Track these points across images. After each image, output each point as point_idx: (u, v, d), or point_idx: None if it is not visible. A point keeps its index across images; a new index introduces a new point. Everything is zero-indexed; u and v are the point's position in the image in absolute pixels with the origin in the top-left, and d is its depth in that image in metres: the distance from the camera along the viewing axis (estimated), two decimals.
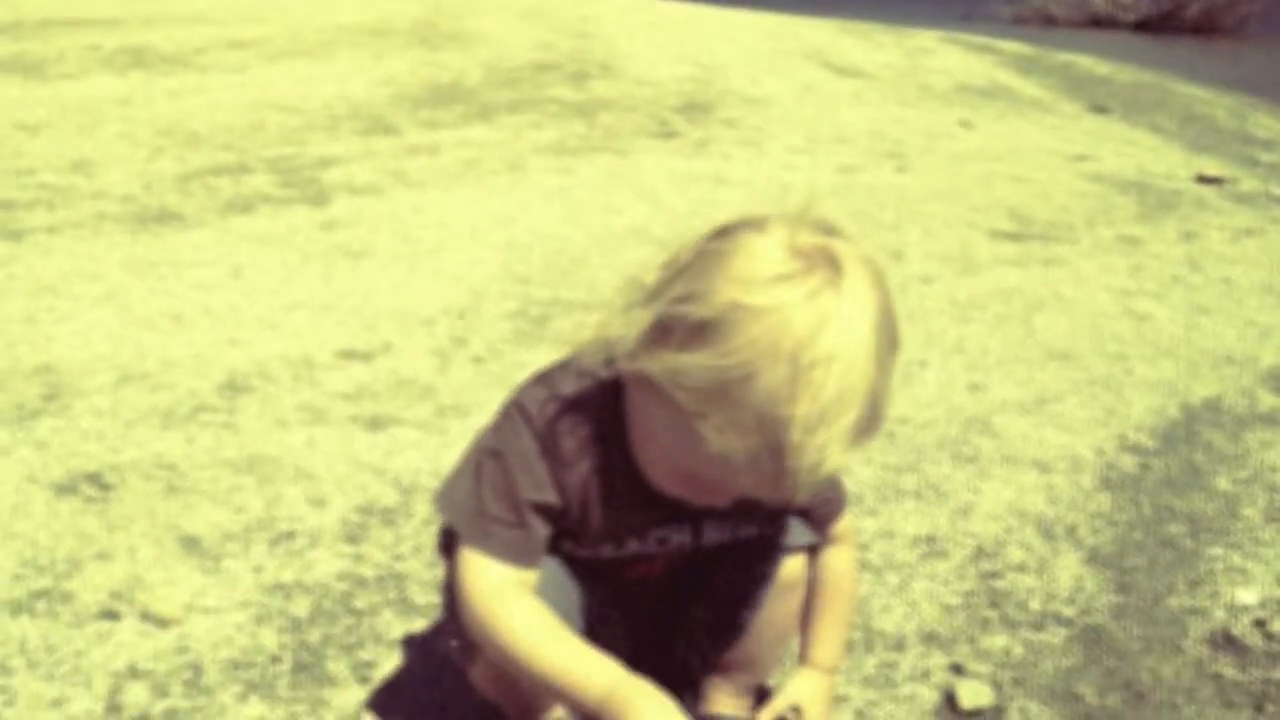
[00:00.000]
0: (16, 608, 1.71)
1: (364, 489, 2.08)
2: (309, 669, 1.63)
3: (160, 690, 1.57)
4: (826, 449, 1.02)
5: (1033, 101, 6.15)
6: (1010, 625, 1.82)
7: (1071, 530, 2.10)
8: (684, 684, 1.51)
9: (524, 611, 1.20)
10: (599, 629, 1.34)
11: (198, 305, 2.87)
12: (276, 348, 2.64)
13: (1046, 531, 2.09)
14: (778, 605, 1.41)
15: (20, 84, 5.15)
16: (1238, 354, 2.94)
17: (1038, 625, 1.83)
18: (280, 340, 2.68)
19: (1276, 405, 2.67)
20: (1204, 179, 4.68)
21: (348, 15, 8.10)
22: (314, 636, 1.69)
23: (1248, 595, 1.93)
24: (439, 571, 1.73)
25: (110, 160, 4.09)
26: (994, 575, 1.95)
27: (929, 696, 1.65)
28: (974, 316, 3.08)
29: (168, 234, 3.37)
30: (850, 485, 1.50)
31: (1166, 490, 2.26)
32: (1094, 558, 2.02)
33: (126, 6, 7.88)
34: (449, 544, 1.33)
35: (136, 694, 1.56)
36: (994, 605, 1.87)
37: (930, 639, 1.78)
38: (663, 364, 1.06)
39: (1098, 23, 18.92)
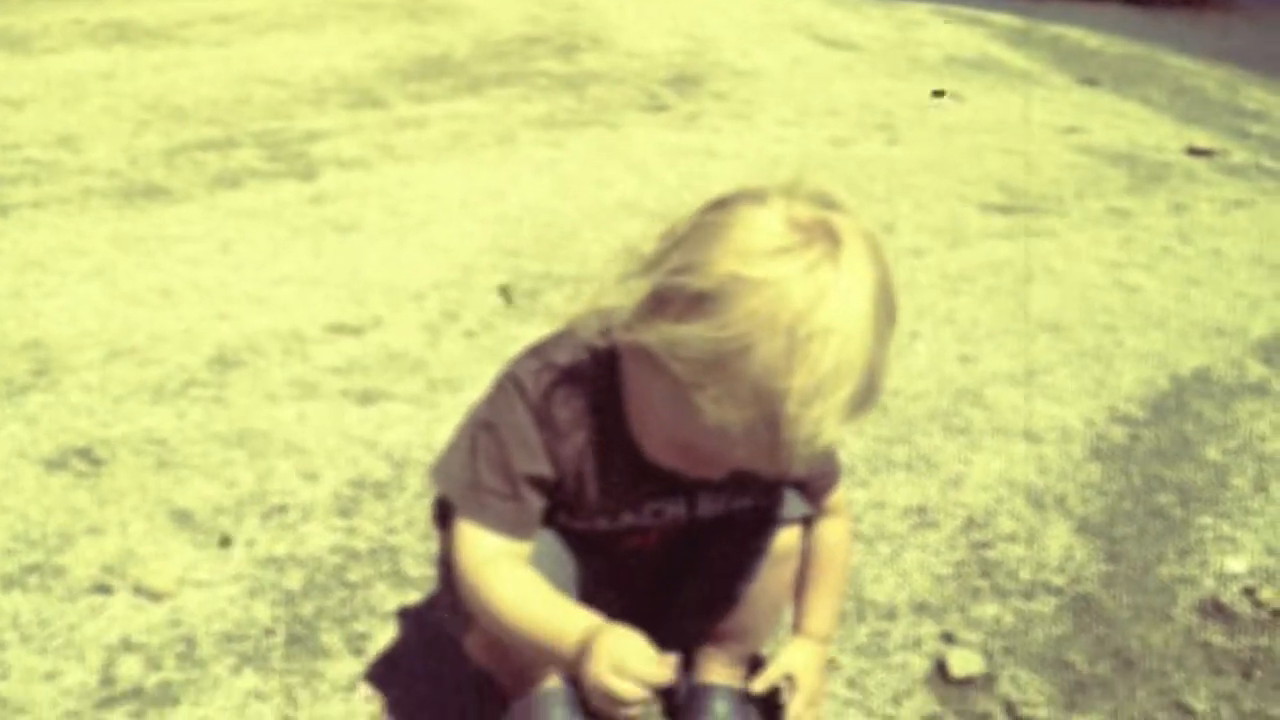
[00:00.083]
0: (8, 582, 1.71)
1: (355, 463, 2.08)
2: (302, 641, 1.63)
3: (153, 663, 1.57)
4: (823, 422, 1.03)
5: (1023, 74, 6.14)
6: (1001, 594, 1.84)
7: (1061, 500, 2.11)
8: (677, 654, 1.51)
9: (514, 578, 1.21)
10: (593, 601, 1.34)
11: (186, 280, 2.85)
12: (266, 322, 2.63)
13: (1037, 501, 2.10)
14: (772, 576, 1.41)
15: (4, 58, 5.10)
16: (1227, 325, 2.95)
17: (1028, 594, 1.84)
18: (269, 315, 2.67)
19: (1266, 375, 2.68)
20: (1194, 151, 4.68)
21: None
22: (307, 609, 1.70)
23: (1236, 564, 1.95)
24: (432, 544, 1.73)
25: (95, 135, 4.05)
26: (984, 545, 1.96)
27: (920, 665, 1.66)
28: (964, 289, 3.08)
29: (155, 209, 3.35)
30: (842, 457, 1.51)
31: (1156, 460, 2.28)
32: (1084, 527, 2.03)
33: None
34: (444, 514, 1.33)
35: (130, 667, 1.56)
36: (985, 575, 1.88)
37: (921, 608, 1.79)
38: (660, 335, 1.06)
39: None
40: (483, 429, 1.25)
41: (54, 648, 1.59)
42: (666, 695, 1.53)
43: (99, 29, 5.64)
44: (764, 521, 1.39)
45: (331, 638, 1.64)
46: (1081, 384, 2.57)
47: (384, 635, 1.65)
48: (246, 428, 2.17)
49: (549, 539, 1.31)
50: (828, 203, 1.07)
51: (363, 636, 1.65)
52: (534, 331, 1.47)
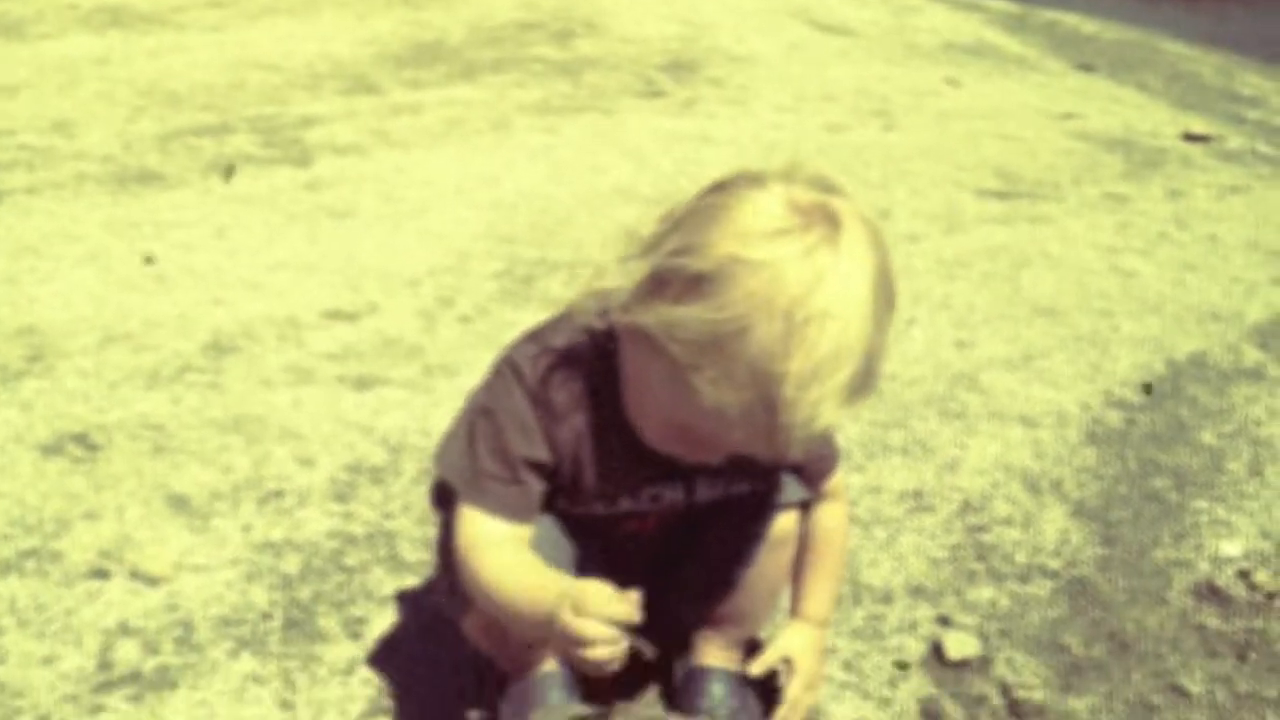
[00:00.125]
0: (5, 567, 1.71)
1: (352, 448, 2.08)
2: (300, 625, 1.63)
3: (151, 647, 1.57)
4: (820, 405, 1.03)
5: (1019, 60, 6.13)
6: (996, 578, 1.84)
7: (1057, 484, 2.12)
8: (675, 638, 1.52)
9: (505, 555, 1.21)
10: None
11: (181, 266, 2.84)
12: (261, 308, 2.62)
13: (1032, 486, 2.11)
14: (770, 560, 1.42)
15: None
16: (1223, 310, 2.95)
17: (1024, 577, 1.85)
18: (265, 300, 2.67)
19: (1261, 360, 2.69)
20: (1190, 137, 4.67)
21: None
22: (304, 593, 1.70)
23: (1232, 547, 1.96)
24: (429, 529, 1.73)
25: (90, 120, 4.03)
26: (980, 529, 1.97)
27: (916, 648, 1.67)
28: (961, 274, 3.08)
29: (149, 194, 3.34)
30: (838, 441, 1.51)
31: (1152, 444, 2.28)
32: (1079, 511, 2.04)
33: None
34: (442, 496, 1.33)
35: (128, 651, 1.56)
36: (980, 558, 1.89)
37: (917, 592, 1.79)
38: (658, 316, 1.06)
39: None
40: (481, 415, 1.25)
41: (51, 632, 1.59)
42: (664, 679, 1.54)
43: (93, 14, 5.61)
44: (762, 506, 1.39)
45: (329, 622, 1.64)
46: (1077, 368, 2.58)
47: (381, 619, 1.65)
48: (242, 413, 2.17)
49: (546, 524, 1.31)
50: (827, 187, 1.07)
51: (360, 621, 1.65)
52: (530, 317, 1.46)
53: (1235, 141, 4.71)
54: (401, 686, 1.53)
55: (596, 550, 1.39)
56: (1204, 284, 3.12)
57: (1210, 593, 1.84)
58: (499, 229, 3.20)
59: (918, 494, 2.06)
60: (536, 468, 1.25)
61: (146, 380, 2.27)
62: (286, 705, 1.49)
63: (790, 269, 1.00)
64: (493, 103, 4.57)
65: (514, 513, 1.23)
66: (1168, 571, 1.88)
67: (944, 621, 1.73)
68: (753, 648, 1.52)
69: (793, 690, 1.43)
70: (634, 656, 1.15)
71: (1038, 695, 1.59)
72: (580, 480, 1.28)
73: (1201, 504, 2.08)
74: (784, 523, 1.40)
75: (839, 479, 1.46)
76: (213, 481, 1.95)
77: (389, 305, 2.68)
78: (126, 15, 5.63)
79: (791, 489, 1.39)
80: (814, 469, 1.41)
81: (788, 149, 4.15)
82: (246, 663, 1.56)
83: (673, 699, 1.51)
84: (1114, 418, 2.37)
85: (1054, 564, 1.88)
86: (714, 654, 1.49)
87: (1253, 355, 2.71)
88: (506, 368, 1.25)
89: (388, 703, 1.51)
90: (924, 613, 1.74)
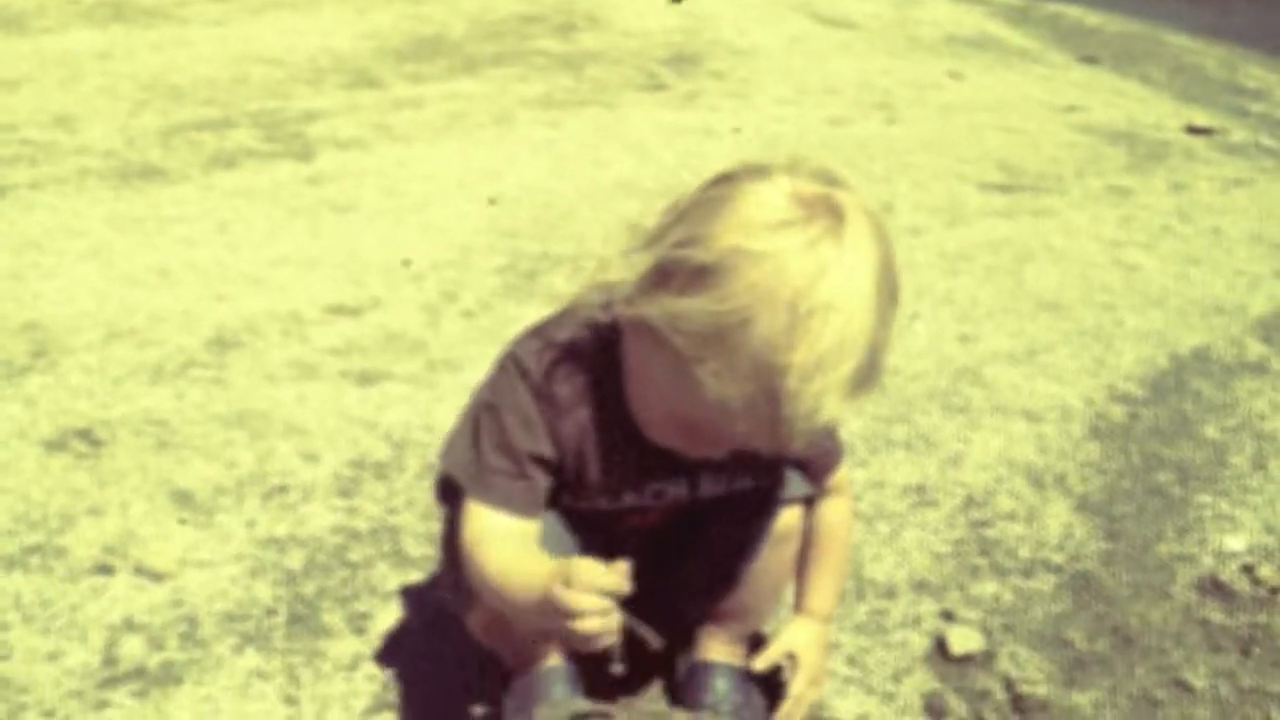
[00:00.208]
0: (10, 563, 1.71)
1: (355, 443, 2.08)
2: (304, 621, 1.63)
3: (156, 643, 1.57)
4: (823, 398, 1.02)
5: (1022, 52, 6.11)
6: (1000, 572, 1.84)
7: (1061, 479, 2.11)
8: (679, 633, 1.52)
9: (507, 547, 1.20)
10: None
11: (184, 261, 2.84)
12: (264, 303, 2.62)
13: (1036, 480, 2.11)
14: (774, 555, 1.42)
15: (0, 38, 5.08)
16: (1227, 303, 2.95)
17: (1027, 572, 1.85)
18: (268, 295, 2.67)
19: (1265, 354, 2.68)
20: (1194, 129, 4.66)
21: None
22: (309, 589, 1.70)
23: (1235, 542, 1.95)
24: (433, 524, 1.73)
25: (92, 115, 4.03)
26: (984, 524, 1.96)
27: (920, 643, 1.67)
28: (964, 268, 3.07)
29: (152, 189, 3.34)
30: (841, 436, 1.51)
31: (1155, 439, 2.28)
32: (1083, 506, 2.03)
33: None
34: (446, 491, 1.34)
35: (132, 647, 1.56)
36: (984, 553, 1.89)
37: (921, 586, 1.79)
38: (661, 308, 1.05)
39: None
40: (485, 410, 1.25)
41: (56, 628, 1.59)
42: (667, 674, 1.54)
43: (95, 8, 5.61)
44: (766, 501, 1.39)
45: (333, 617, 1.65)
46: (1081, 363, 2.57)
47: (385, 614, 1.66)
48: (246, 408, 2.17)
49: (550, 518, 1.31)
50: (830, 179, 1.07)
51: (364, 616, 1.65)
52: (533, 312, 1.47)
53: (1239, 134, 4.70)
54: (406, 682, 1.54)
55: (600, 545, 1.39)
56: (1207, 277, 3.12)
57: (1214, 587, 1.84)
58: (501, 223, 3.20)
59: (921, 489, 2.05)
60: (541, 462, 1.25)
61: (150, 376, 2.27)
62: (291, 700, 1.49)
63: (793, 261, 1.00)
64: (494, 96, 4.57)
65: (519, 507, 1.23)
66: (1171, 566, 1.88)
67: (948, 616, 1.73)
68: (756, 643, 1.52)
69: (796, 685, 1.43)
70: (639, 647, 1.15)
71: (1041, 690, 1.59)
72: (584, 475, 1.28)
73: (1205, 498, 2.08)
74: (788, 518, 1.40)
75: (843, 474, 1.46)
76: (217, 477, 1.96)
77: (392, 300, 2.68)
78: (129, 9, 5.62)
79: (795, 484, 1.39)
80: (818, 464, 1.40)
81: (790, 142, 4.14)
82: (251, 658, 1.56)
83: (676, 694, 1.51)
84: (1117, 412, 2.37)
85: (1057, 559, 1.88)
86: (718, 649, 1.49)
87: (1256, 349, 2.71)
88: (510, 363, 1.25)
89: (392, 698, 1.51)
90: (928, 608, 1.74)
